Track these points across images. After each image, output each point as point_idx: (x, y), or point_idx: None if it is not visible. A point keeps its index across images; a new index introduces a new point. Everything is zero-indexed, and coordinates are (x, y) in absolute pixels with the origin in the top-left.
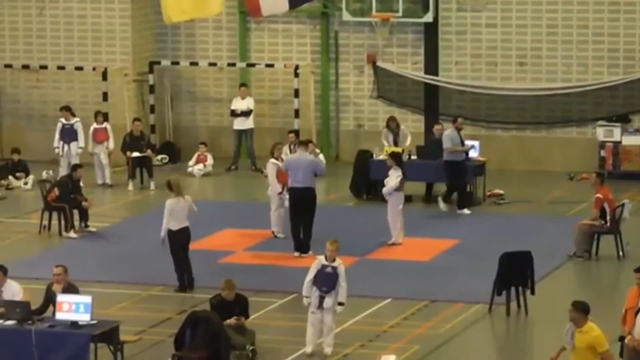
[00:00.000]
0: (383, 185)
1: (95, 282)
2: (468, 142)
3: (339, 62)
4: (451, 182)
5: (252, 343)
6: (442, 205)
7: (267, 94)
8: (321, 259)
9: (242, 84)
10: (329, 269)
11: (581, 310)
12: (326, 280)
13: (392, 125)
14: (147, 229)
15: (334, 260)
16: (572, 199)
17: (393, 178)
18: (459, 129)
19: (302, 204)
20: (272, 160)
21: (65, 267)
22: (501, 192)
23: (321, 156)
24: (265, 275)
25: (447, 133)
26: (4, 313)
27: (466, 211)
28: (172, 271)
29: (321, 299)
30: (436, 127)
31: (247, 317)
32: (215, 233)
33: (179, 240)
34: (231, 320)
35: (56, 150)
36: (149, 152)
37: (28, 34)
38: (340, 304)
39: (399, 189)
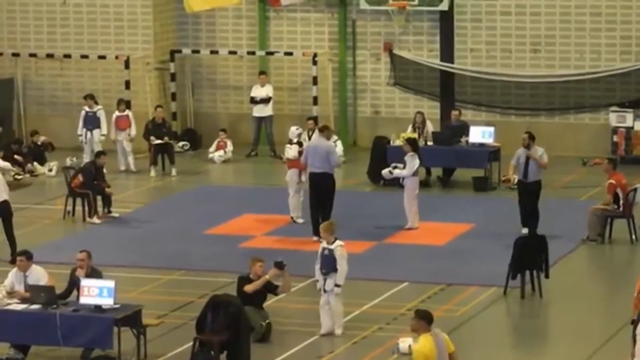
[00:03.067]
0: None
1: (118, 266)
2: (484, 129)
3: (356, 50)
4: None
5: (268, 322)
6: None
7: (286, 82)
8: (323, 243)
9: (262, 72)
10: (326, 251)
11: (424, 318)
12: (325, 262)
13: (418, 120)
14: (169, 214)
15: (332, 243)
16: (585, 184)
17: (408, 167)
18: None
19: (320, 189)
20: (289, 145)
21: (89, 252)
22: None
23: (339, 143)
24: (285, 259)
25: None
26: (29, 297)
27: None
28: (194, 255)
29: (324, 282)
30: (453, 113)
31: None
32: (235, 218)
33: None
34: (274, 270)
35: (80, 138)
36: (169, 139)
37: (52, 23)
38: (337, 285)
39: (415, 174)
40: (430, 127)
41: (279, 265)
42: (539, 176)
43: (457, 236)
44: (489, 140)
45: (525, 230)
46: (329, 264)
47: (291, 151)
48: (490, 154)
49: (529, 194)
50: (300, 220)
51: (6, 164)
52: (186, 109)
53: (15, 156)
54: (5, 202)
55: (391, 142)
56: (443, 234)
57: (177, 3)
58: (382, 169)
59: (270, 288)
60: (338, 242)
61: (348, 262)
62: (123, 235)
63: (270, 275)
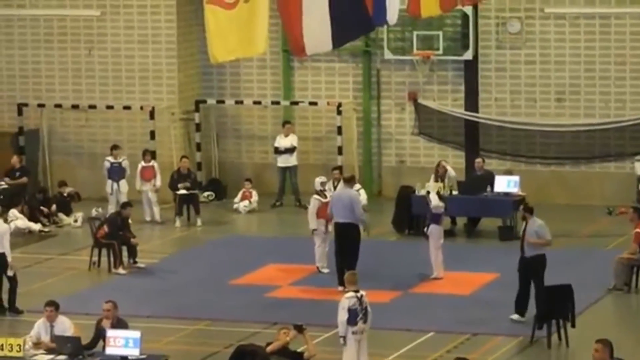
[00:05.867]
0: (425, 222)
1: (143, 317)
2: (509, 178)
3: (380, 99)
4: None
5: None
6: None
7: (311, 131)
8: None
9: (286, 122)
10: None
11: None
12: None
13: (441, 172)
14: (194, 264)
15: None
16: (610, 233)
17: (435, 199)
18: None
19: (345, 239)
20: (316, 196)
21: (115, 303)
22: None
23: (362, 192)
24: (311, 310)
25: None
26: (56, 348)
27: None
28: (219, 305)
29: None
30: (477, 162)
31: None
32: (260, 268)
33: None
34: (294, 332)
35: (107, 190)
36: (194, 189)
37: (77, 74)
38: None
39: (438, 222)
40: (451, 172)
41: (299, 329)
42: (538, 251)
43: (482, 286)
44: (514, 189)
45: (516, 316)
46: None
47: (314, 203)
48: (515, 203)
49: (526, 272)
50: (325, 270)
51: (28, 225)
52: (211, 159)
53: (41, 207)
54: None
55: (416, 191)
56: (468, 284)
57: (201, 54)
58: (407, 218)
59: (296, 357)
60: (349, 294)
61: (373, 311)
62: (148, 286)
63: (290, 337)
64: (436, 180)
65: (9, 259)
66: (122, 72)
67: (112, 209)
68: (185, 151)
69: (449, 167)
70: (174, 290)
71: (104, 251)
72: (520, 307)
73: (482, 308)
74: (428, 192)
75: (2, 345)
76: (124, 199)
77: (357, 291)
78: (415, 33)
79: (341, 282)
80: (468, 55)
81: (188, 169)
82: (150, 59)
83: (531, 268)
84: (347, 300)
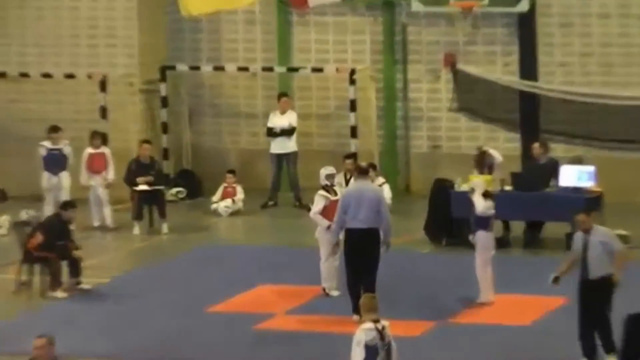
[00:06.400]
0: (469, 227)
1: (91, 357)
2: (580, 169)
3: (407, 64)
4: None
5: None
6: None
7: (315, 107)
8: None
9: (282, 94)
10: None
11: None
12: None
13: (487, 161)
14: (159, 286)
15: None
16: None
17: (480, 201)
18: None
19: (363, 250)
20: (321, 192)
21: (51, 338)
22: (624, 232)
23: (386, 188)
24: (315, 346)
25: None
26: None
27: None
28: (193, 341)
29: None
30: (535, 147)
31: None
32: (248, 290)
33: None
34: None
35: (43, 185)
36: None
37: (3, 32)
38: None
39: (487, 228)
40: (498, 158)
41: None
42: (607, 270)
43: (546, 313)
44: (586, 183)
45: None
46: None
47: (319, 201)
48: (588, 202)
49: (590, 298)
50: (335, 293)
51: None
52: (182, 144)
53: None
54: None
55: (455, 186)
56: (528, 310)
57: (171, 6)
58: (445, 222)
59: None
60: (367, 325)
61: (400, 348)
62: (97, 315)
63: None
64: (481, 172)
65: None
66: (63, 30)
67: (49, 210)
68: (148, 134)
69: (493, 152)
70: (131, 320)
71: (37, 267)
72: (589, 350)
73: (546, 342)
74: (472, 190)
75: None
76: (64, 197)
77: (377, 321)
78: None
79: (356, 309)
80: (523, 6)
81: (151, 158)
82: (100, 12)
83: (599, 294)
84: (363, 333)
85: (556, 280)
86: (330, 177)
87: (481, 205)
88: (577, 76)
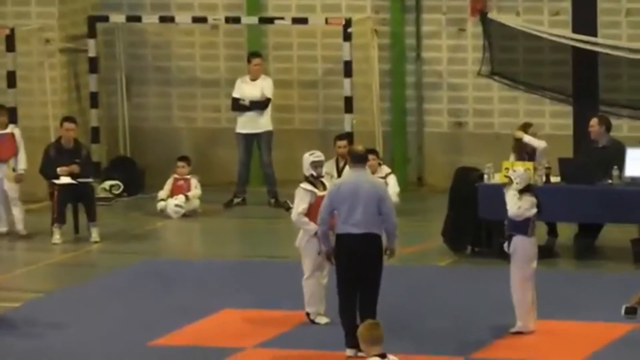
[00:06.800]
0: (502, 232)
1: None
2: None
3: (421, 14)
4: None
5: None
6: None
7: (297, 72)
8: None
9: (253, 54)
10: None
11: None
12: None
13: (529, 148)
14: (88, 312)
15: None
16: None
17: (513, 201)
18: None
19: (359, 263)
20: (305, 185)
21: None
22: None
23: (392, 180)
24: None
25: None
26: None
27: None
28: None
29: None
30: (592, 125)
31: None
32: (208, 316)
33: None
34: None
35: None
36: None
37: None
38: None
39: (526, 233)
40: (540, 144)
41: None
42: None
43: (606, 344)
44: None
45: None
46: None
47: (303, 198)
48: None
49: None
50: (322, 320)
51: None
52: (117, 123)
53: None
54: None
55: (485, 177)
56: (582, 342)
57: None
58: (470, 225)
59: None
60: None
61: None
62: (3, 352)
63: None
64: (519, 159)
65: None
66: None
67: None
68: (71, 109)
69: (529, 139)
70: (48, 356)
71: None
72: None
73: None
74: (509, 183)
75: None
76: None
77: (383, 357)
78: None
79: (352, 342)
80: None
81: (75, 141)
82: None
83: None
84: None
85: (631, 312)
86: (317, 165)
87: (515, 205)
88: None
